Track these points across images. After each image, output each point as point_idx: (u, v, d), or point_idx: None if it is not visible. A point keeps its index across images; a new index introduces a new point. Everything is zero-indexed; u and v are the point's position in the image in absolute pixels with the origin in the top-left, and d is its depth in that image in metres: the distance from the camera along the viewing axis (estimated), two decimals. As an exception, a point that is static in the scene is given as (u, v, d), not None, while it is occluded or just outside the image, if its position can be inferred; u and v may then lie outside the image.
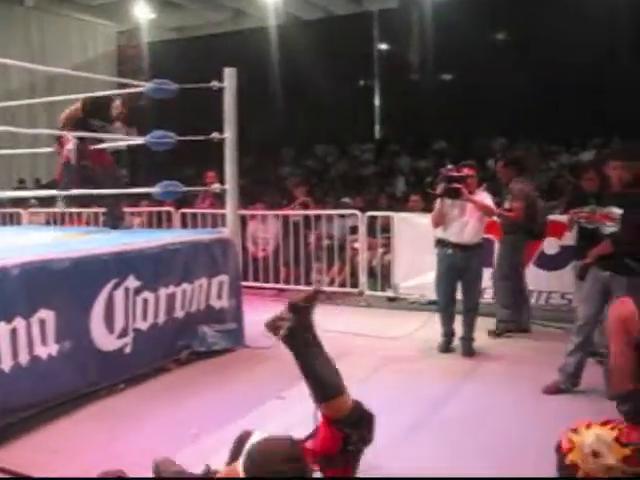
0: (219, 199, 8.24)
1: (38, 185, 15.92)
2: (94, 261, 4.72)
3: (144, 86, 6.07)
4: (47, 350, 4.29)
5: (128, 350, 4.95)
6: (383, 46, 18.72)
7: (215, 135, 5.94)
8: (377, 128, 18.62)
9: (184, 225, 9.14)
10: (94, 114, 6.11)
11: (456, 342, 5.99)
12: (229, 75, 5.99)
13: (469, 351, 5.87)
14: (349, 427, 2.87)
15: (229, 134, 5.97)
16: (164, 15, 20.47)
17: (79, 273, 4.56)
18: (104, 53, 21.25)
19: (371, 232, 8.17)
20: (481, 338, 6.15)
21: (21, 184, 16.27)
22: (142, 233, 6.91)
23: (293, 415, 4.29)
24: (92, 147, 6.20)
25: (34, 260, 4.33)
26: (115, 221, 6.59)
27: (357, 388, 4.87)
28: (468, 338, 5.91)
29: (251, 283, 8.30)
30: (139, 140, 6.01)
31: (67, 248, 4.91)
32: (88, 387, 4.64)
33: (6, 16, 18.35)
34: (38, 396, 4.24)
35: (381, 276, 8.13)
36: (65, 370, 4.43)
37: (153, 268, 5.17)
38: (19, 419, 4.12)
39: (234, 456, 2.81)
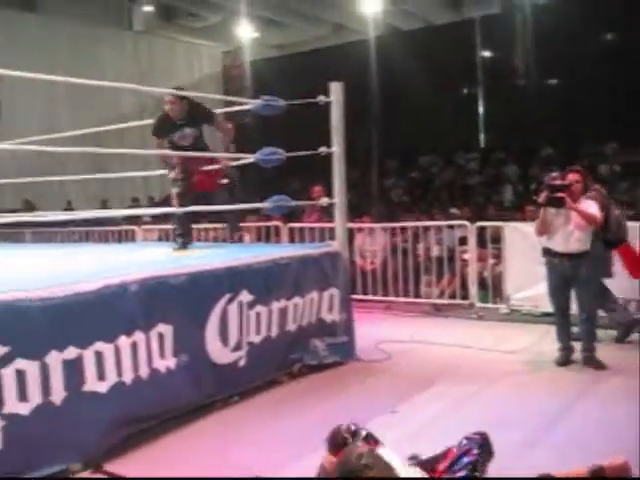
0: (326, 213, 8.27)
1: (152, 203, 16.52)
2: (208, 276, 4.80)
3: (252, 104, 6.17)
4: (165, 363, 4.39)
5: (242, 363, 5.00)
6: (486, 53, 18.42)
7: (323, 149, 5.96)
8: (482, 136, 18.30)
9: (292, 239, 9.22)
10: (161, 129, 6.08)
11: (576, 355, 5.76)
12: (335, 89, 6.00)
13: (589, 363, 5.62)
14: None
15: (337, 148, 5.97)
16: (266, 33, 20.94)
17: (194, 288, 4.65)
18: (210, 73, 21.88)
19: (481, 243, 8.01)
20: (605, 350, 5.87)
21: (135, 202, 16.92)
22: (253, 248, 7.01)
23: (406, 429, 4.24)
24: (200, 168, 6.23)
25: (151, 276, 4.44)
26: (233, 232, 6.64)
27: (470, 403, 4.80)
28: (586, 349, 5.66)
29: (360, 296, 8.29)
30: (249, 158, 6.09)
31: (182, 264, 5.02)
32: (204, 399, 4.71)
33: (117, 41, 19.25)
34: (157, 408, 4.34)
35: (492, 287, 7.96)
36: (182, 383, 4.52)
37: (265, 282, 5.21)
38: (139, 430, 4.21)
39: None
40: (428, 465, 3.17)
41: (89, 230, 11.62)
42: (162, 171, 6.45)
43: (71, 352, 3.79)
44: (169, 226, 7.96)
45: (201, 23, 20.68)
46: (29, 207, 14.74)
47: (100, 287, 4.06)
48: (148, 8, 19.87)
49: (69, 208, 15.17)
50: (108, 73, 16.63)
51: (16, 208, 13.82)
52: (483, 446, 3.28)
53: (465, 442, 3.28)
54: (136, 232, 10.96)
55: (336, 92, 6.00)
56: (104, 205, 16.22)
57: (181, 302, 4.55)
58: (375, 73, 16.92)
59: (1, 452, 3.46)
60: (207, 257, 5.60)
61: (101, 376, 3.96)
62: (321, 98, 5.97)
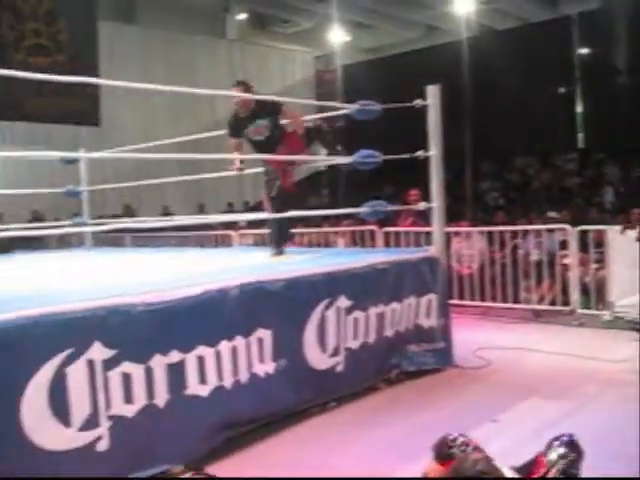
0: (420, 217, 8.18)
1: (246, 207, 16.78)
2: (306, 282, 4.81)
3: (348, 108, 6.15)
4: (265, 368, 4.42)
5: (340, 369, 4.98)
6: (584, 50, 17.86)
7: (420, 153, 5.89)
8: (580, 136, 17.72)
9: (387, 244, 9.16)
10: (235, 128, 6.02)
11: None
12: (432, 93, 5.91)
13: None
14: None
15: (434, 151, 5.88)
16: (357, 37, 20.95)
17: (293, 294, 4.67)
18: (303, 79, 22.04)
19: (582, 247, 7.76)
20: None
21: (230, 207, 17.22)
22: (349, 254, 6.99)
23: (508, 439, 4.11)
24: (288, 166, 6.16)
25: (251, 281, 4.47)
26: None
27: (573, 414, 4.61)
28: None
29: (457, 301, 8.16)
30: (346, 160, 6.06)
31: (280, 269, 5.05)
32: (301, 404, 4.72)
33: (211, 49, 19.67)
34: (256, 412, 4.37)
35: (595, 293, 7.69)
36: (281, 387, 4.54)
37: (363, 288, 5.18)
38: (238, 434, 4.25)
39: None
40: (522, 473, 3.05)
41: (186, 235, 11.86)
42: (254, 170, 6.46)
43: (174, 356, 3.86)
44: (264, 230, 8.03)
45: (293, 29, 20.91)
46: (129, 212, 15.25)
47: (202, 292, 4.12)
48: (242, 16, 20.22)
49: (166, 213, 15.58)
50: (202, 81, 16.98)
51: (117, 213, 14.30)
52: (571, 446, 3.12)
53: (553, 446, 3.13)
54: (232, 237, 11.12)
55: (433, 95, 5.91)
56: (201, 209, 16.58)
57: (280, 307, 4.57)
58: (469, 74, 16.63)
59: (107, 452, 3.55)
60: (304, 262, 5.63)
61: (203, 380, 4.02)
62: (417, 101, 5.90)
